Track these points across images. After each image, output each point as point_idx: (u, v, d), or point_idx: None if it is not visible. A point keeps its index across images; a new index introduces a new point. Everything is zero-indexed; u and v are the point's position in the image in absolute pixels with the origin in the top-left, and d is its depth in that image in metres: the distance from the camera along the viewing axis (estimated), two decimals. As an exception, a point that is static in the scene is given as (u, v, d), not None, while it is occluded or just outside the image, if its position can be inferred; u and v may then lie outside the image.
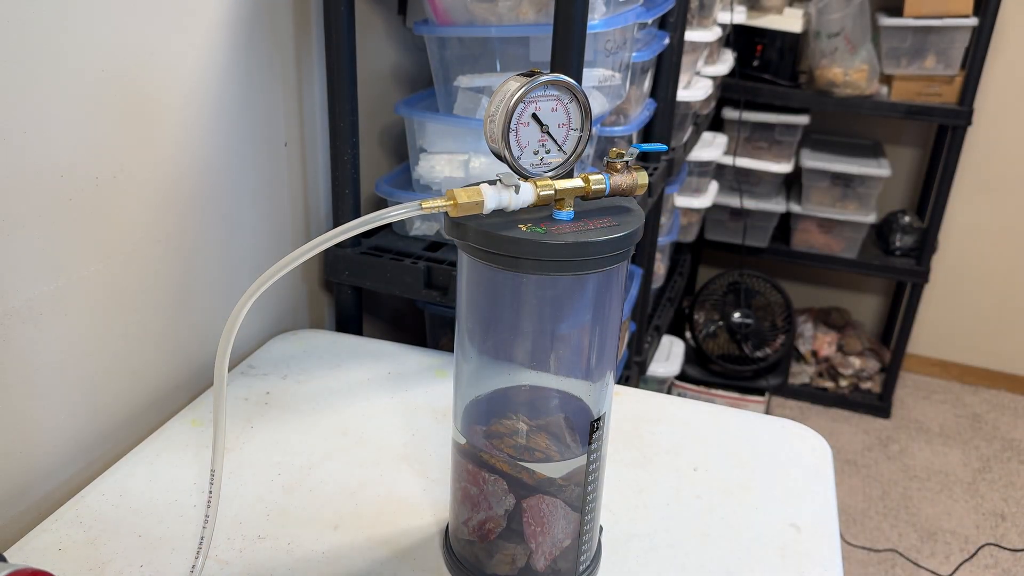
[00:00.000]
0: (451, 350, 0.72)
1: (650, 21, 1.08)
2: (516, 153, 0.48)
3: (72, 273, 0.60)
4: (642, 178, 0.50)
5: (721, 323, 2.26)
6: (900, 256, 2.23)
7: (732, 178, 2.15)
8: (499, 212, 0.46)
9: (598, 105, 0.89)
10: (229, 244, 0.78)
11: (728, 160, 2.05)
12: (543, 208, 0.48)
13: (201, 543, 0.54)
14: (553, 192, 0.47)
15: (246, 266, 0.81)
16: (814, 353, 2.45)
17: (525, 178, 0.48)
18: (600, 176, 0.48)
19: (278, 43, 0.80)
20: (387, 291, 0.88)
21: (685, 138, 1.48)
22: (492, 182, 0.47)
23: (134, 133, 0.63)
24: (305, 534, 0.58)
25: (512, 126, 0.47)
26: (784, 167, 2.11)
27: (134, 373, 0.69)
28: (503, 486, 0.52)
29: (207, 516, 0.54)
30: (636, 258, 1.35)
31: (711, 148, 1.78)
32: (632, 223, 0.47)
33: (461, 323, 0.52)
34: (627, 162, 0.49)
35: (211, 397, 0.75)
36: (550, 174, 0.49)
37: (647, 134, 1.26)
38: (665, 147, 0.52)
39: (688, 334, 2.29)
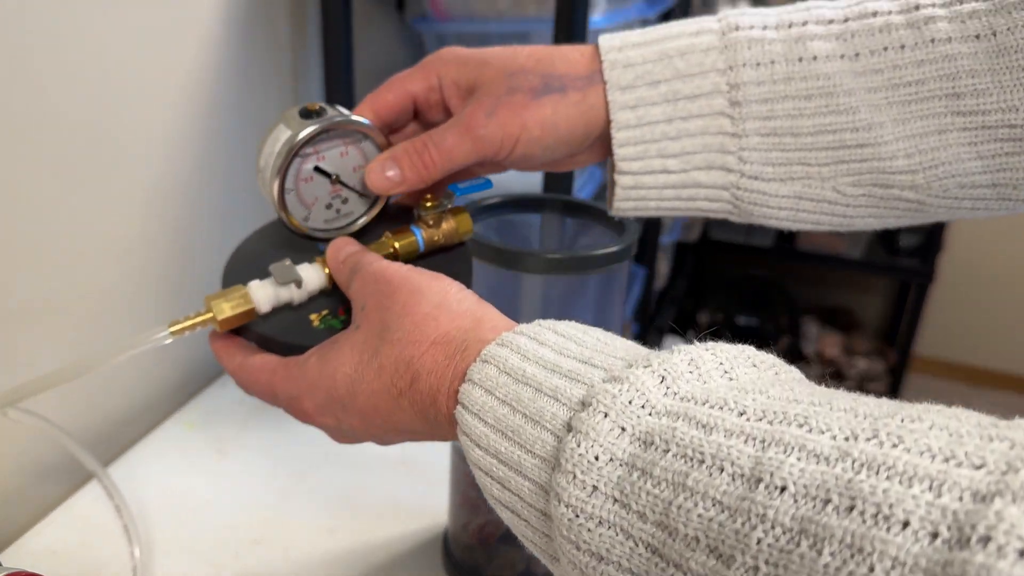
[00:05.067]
0: (451, 351, 0.70)
1: (652, 16, 1.07)
2: (301, 215, 0.40)
3: (65, 273, 0.60)
4: (464, 224, 0.42)
5: (725, 324, 2.25)
6: (906, 256, 2.22)
7: (736, 177, 2.14)
8: (288, 305, 0.39)
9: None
10: (226, 243, 0.77)
11: (732, 159, 2.04)
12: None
13: None
14: None
15: (244, 266, 0.80)
16: (819, 354, 2.44)
17: (320, 249, 0.39)
18: (411, 237, 0.41)
19: (275, 39, 0.79)
20: (386, 291, 0.87)
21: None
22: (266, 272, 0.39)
23: (129, 132, 0.63)
24: (301, 538, 0.58)
25: (289, 186, 0.39)
26: (788, 166, 2.10)
27: (129, 375, 0.68)
28: (502, 490, 0.51)
29: None
30: (639, 258, 1.34)
31: (715, 147, 1.76)
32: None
33: (459, 323, 0.51)
34: (443, 211, 0.41)
35: (206, 399, 0.74)
36: (357, 223, 0.42)
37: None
38: (490, 184, 0.43)
39: (691, 335, 2.28)
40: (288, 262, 0.39)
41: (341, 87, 0.81)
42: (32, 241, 0.56)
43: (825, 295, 2.58)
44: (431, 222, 0.41)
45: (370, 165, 0.39)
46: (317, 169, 0.39)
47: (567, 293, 0.49)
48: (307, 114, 0.39)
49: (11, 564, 0.53)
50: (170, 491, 0.62)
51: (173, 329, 0.38)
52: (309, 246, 0.42)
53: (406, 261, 0.40)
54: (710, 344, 0.28)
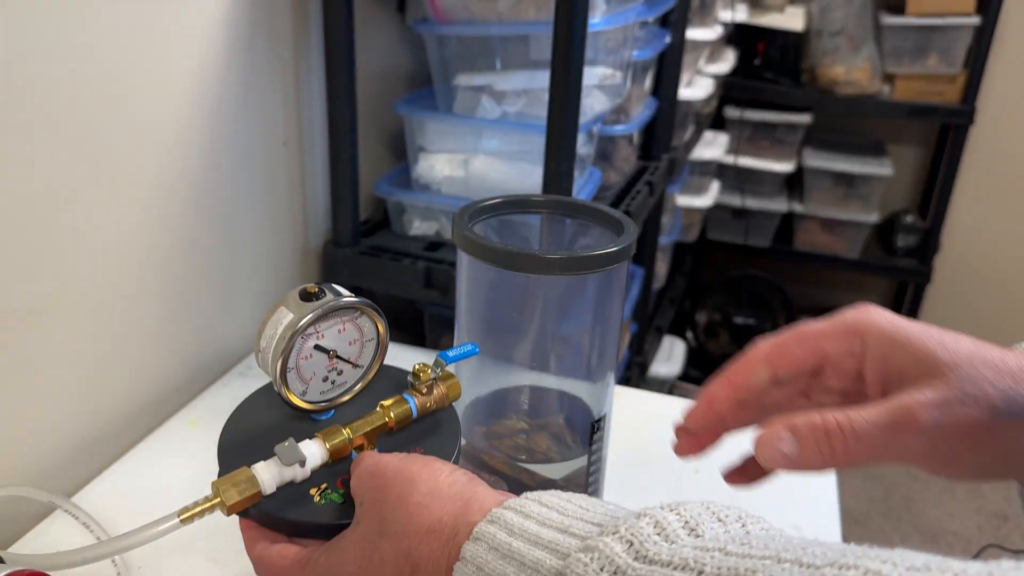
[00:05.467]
0: (451, 350, 0.71)
1: (651, 19, 1.08)
2: (299, 390, 0.42)
3: (69, 273, 0.60)
4: (453, 389, 0.45)
5: (723, 323, 2.26)
6: (903, 256, 2.23)
7: (734, 177, 2.15)
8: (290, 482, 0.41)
9: (599, 103, 0.89)
10: (227, 243, 0.78)
11: (730, 159, 2.04)
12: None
13: None
14: (348, 441, 0.41)
15: (245, 266, 0.81)
16: (816, 353, 2.44)
17: (316, 420, 0.43)
18: (404, 405, 0.43)
19: (277, 41, 0.79)
20: (386, 291, 0.87)
21: (686, 137, 1.47)
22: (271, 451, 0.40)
23: (131, 132, 0.63)
24: (303, 536, 0.58)
25: (290, 366, 0.41)
26: (786, 166, 2.11)
27: (133, 373, 0.68)
28: (503, 487, 0.51)
29: None
30: (637, 258, 1.34)
31: (713, 147, 1.77)
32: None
33: (461, 323, 0.52)
34: (434, 379, 0.44)
35: (210, 397, 0.74)
36: (351, 393, 0.44)
37: (648, 133, 1.25)
38: (476, 350, 0.45)
39: (689, 334, 2.28)
40: (291, 441, 0.40)
41: (342, 89, 0.81)
42: (34, 241, 0.57)
43: (823, 295, 2.59)
44: (424, 390, 0.43)
45: (762, 434, 0.33)
46: (317, 347, 0.41)
47: (567, 293, 0.50)
48: (307, 296, 0.41)
49: (15, 562, 0.53)
50: (174, 487, 0.62)
51: (183, 517, 0.39)
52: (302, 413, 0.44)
53: (400, 427, 0.42)
54: (676, 504, 0.29)
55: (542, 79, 0.81)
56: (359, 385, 0.44)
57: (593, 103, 0.87)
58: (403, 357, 0.84)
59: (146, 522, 0.57)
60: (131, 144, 0.63)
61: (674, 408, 0.77)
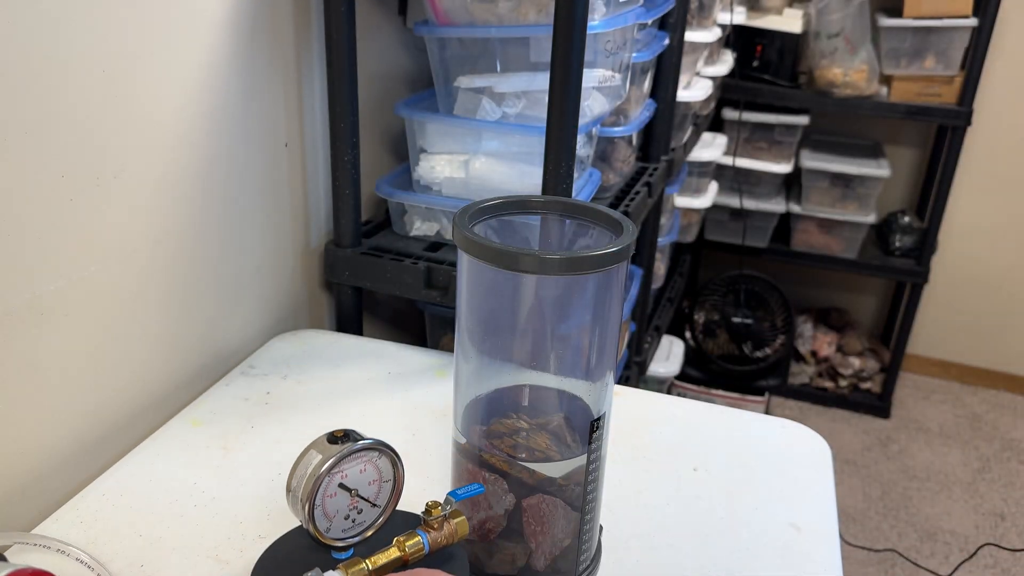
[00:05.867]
0: (451, 350, 0.72)
1: (650, 22, 1.08)
2: (324, 527, 0.46)
3: (72, 273, 0.60)
4: (462, 526, 0.49)
5: (721, 323, 2.26)
6: (900, 256, 2.23)
7: (732, 178, 2.15)
8: None
9: (598, 105, 0.89)
10: (229, 244, 0.78)
11: (728, 160, 2.05)
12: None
13: None
14: (367, 573, 0.45)
15: (247, 266, 0.81)
16: (814, 353, 2.45)
17: (336, 559, 0.47)
18: (417, 539, 0.48)
19: (279, 43, 0.80)
20: (387, 291, 0.88)
21: (685, 138, 1.48)
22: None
23: (135, 133, 0.64)
24: (305, 534, 0.58)
25: (317, 502, 0.45)
26: (784, 167, 2.12)
27: (134, 373, 0.69)
28: (503, 486, 0.52)
29: None
30: (636, 258, 1.35)
31: (711, 148, 1.78)
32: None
33: (461, 323, 0.52)
34: (445, 515, 0.49)
35: (211, 397, 0.75)
36: (369, 532, 0.48)
37: (647, 134, 1.26)
38: (482, 488, 0.50)
39: (688, 334, 2.29)
40: (317, 570, 0.44)
41: (344, 91, 0.82)
42: (39, 241, 0.57)
43: (820, 295, 2.60)
44: (436, 526, 0.48)
45: None
46: (341, 485, 0.46)
47: (566, 293, 0.50)
48: (334, 439, 0.46)
49: (18, 561, 0.53)
50: (176, 486, 0.62)
51: None
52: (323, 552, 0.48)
53: (414, 561, 0.47)
54: None
55: (542, 81, 0.82)
56: (377, 522, 0.49)
57: (592, 105, 0.88)
58: (404, 357, 0.84)
59: (152, 525, 0.58)
60: (133, 145, 0.64)
61: (673, 407, 0.78)
